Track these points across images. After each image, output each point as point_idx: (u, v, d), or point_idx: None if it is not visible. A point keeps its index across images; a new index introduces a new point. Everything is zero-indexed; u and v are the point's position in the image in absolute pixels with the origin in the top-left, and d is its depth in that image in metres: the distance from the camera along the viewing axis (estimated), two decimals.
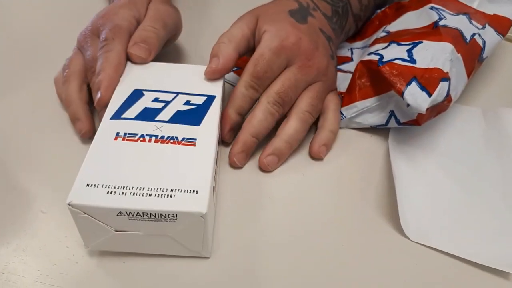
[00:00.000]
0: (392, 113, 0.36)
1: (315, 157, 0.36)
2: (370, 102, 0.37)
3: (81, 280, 0.29)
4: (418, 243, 0.30)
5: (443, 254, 0.29)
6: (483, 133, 0.37)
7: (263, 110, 0.34)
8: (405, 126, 0.36)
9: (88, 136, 0.37)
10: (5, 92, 0.43)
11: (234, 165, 0.35)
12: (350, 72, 0.42)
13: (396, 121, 0.36)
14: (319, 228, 0.31)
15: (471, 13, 0.38)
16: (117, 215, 0.25)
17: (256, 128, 0.34)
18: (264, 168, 0.35)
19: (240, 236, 0.31)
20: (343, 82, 0.41)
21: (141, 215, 0.25)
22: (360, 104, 0.37)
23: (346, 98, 0.38)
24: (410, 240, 0.30)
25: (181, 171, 0.27)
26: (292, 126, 0.35)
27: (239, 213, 0.32)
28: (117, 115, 0.31)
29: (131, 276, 0.29)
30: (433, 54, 0.34)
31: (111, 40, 0.36)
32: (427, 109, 0.33)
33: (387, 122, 0.37)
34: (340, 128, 0.39)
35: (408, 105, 0.33)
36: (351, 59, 0.44)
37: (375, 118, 0.37)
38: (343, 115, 0.38)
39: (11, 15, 0.55)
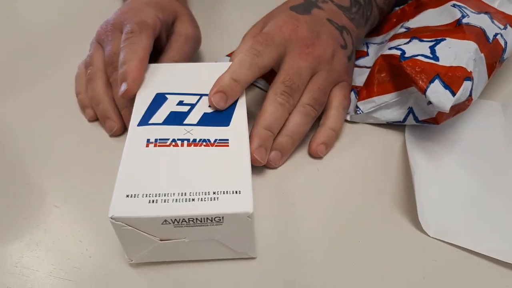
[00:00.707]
0: (410, 110, 0.36)
1: (314, 155, 0.36)
2: (388, 97, 0.36)
3: (94, 274, 0.28)
4: (437, 239, 0.29)
5: (462, 250, 0.29)
6: (503, 128, 0.37)
7: (271, 102, 0.33)
8: (423, 124, 0.36)
9: (119, 133, 0.37)
10: (19, 88, 0.43)
11: (256, 163, 0.33)
12: (365, 67, 0.42)
13: (414, 119, 0.36)
14: (335, 224, 0.31)
15: (492, 13, 0.38)
16: (162, 223, 0.25)
17: (267, 120, 0.33)
18: (268, 165, 0.34)
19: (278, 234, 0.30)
20: (358, 76, 0.41)
21: (187, 221, 0.25)
22: (378, 99, 0.37)
23: (364, 92, 0.38)
24: (429, 236, 0.30)
25: (220, 172, 0.27)
26: (292, 121, 0.34)
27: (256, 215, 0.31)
28: (144, 121, 0.30)
29: (144, 272, 0.28)
30: (457, 53, 0.34)
31: (138, 33, 0.35)
32: None
33: (405, 119, 0.36)
34: (356, 123, 0.39)
35: (430, 102, 0.33)
36: (366, 54, 0.43)
37: (393, 114, 0.37)
38: (359, 109, 0.38)
39: (23, 12, 0.55)
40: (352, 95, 0.40)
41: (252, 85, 0.42)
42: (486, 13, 0.37)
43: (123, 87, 0.32)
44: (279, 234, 0.30)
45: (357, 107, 0.38)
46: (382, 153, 0.36)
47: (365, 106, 0.37)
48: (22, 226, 0.31)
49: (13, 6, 0.55)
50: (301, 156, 0.36)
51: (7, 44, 0.49)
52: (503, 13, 0.39)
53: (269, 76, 0.36)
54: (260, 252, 0.29)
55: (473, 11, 0.37)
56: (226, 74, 0.32)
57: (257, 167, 0.34)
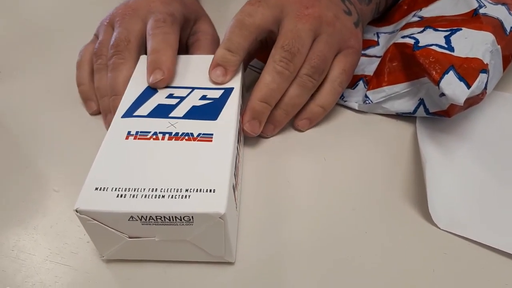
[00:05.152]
0: (421, 102, 0.35)
1: (296, 129, 0.36)
2: (399, 87, 0.35)
3: (91, 260, 0.27)
4: (448, 232, 0.29)
5: (474, 243, 0.28)
6: None
7: (269, 71, 0.32)
8: (434, 116, 0.35)
9: None
10: (22, 73, 0.43)
11: (246, 134, 0.33)
12: (375, 56, 0.41)
13: (425, 110, 0.35)
14: (342, 215, 0.30)
15: (509, 4, 0.36)
16: (129, 220, 0.23)
17: (262, 92, 0.32)
18: (261, 135, 0.35)
19: (264, 235, 0.29)
20: (368, 66, 0.40)
21: (155, 219, 0.23)
22: (389, 89, 0.36)
23: (374, 81, 0.37)
24: (439, 228, 0.29)
25: (197, 169, 0.25)
26: (289, 93, 0.33)
27: (261, 206, 0.30)
28: (129, 113, 0.29)
29: (143, 268, 0.27)
30: (473, 43, 0.32)
31: (170, 24, 0.34)
32: None
33: (415, 110, 0.35)
34: (365, 112, 0.38)
35: (443, 94, 0.32)
36: (377, 43, 0.42)
37: (403, 105, 0.36)
38: (369, 99, 0.37)
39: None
40: (361, 84, 0.39)
41: (251, 69, 0.41)
42: (503, 4, 0.36)
43: (159, 75, 0.31)
44: (274, 232, 0.29)
45: (366, 96, 0.37)
46: (392, 143, 0.35)
47: (375, 95, 0.36)
48: (20, 209, 0.30)
49: None
50: (308, 145, 0.35)
51: (12, 29, 0.48)
52: None
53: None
54: (243, 256, 0.27)
55: (490, 1, 0.36)
56: (220, 47, 0.32)
57: (263, 152, 0.34)
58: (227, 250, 0.26)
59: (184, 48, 0.40)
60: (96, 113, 0.37)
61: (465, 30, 0.34)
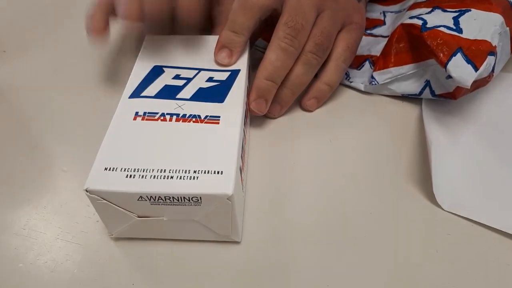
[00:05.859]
0: (427, 83, 0.35)
1: (304, 109, 0.36)
2: (405, 69, 0.35)
3: (101, 239, 0.28)
4: (452, 213, 0.29)
5: (477, 224, 0.29)
6: None
7: (273, 49, 0.31)
8: (439, 98, 0.35)
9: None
10: (29, 51, 0.42)
11: (252, 113, 0.33)
12: (381, 36, 0.41)
13: (431, 92, 0.35)
14: (347, 195, 0.30)
15: None
16: (138, 200, 0.24)
17: (268, 70, 0.32)
18: (266, 115, 0.35)
19: (269, 215, 0.29)
20: (374, 46, 0.39)
21: (163, 199, 0.24)
22: (395, 70, 0.36)
23: (380, 62, 0.37)
24: (443, 209, 0.29)
25: (205, 151, 0.25)
26: (294, 71, 0.33)
27: (266, 187, 0.31)
28: (136, 93, 0.29)
29: (152, 246, 0.28)
30: (482, 25, 0.32)
31: None
32: None
33: (421, 92, 0.35)
34: (370, 94, 0.38)
35: (449, 77, 0.32)
36: (383, 23, 0.42)
37: (409, 87, 0.36)
38: (375, 80, 0.36)
39: None
40: (367, 64, 0.38)
41: (256, 50, 0.41)
42: None
43: None
44: (279, 212, 0.29)
45: (372, 77, 0.37)
46: (397, 125, 0.35)
47: (381, 77, 0.36)
48: (30, 189, 0.30)
49: None
50: (314, 126, 0.35)
51: (17, 6, 0.48)
52: None
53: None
54: (249, 235, 0.28)
55: None
56: (224, 29, 0.32)
57: (269, 133, 0.34)
58: (234, 230, 0.26)
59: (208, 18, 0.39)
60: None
61: (474, 11, 0.33)
